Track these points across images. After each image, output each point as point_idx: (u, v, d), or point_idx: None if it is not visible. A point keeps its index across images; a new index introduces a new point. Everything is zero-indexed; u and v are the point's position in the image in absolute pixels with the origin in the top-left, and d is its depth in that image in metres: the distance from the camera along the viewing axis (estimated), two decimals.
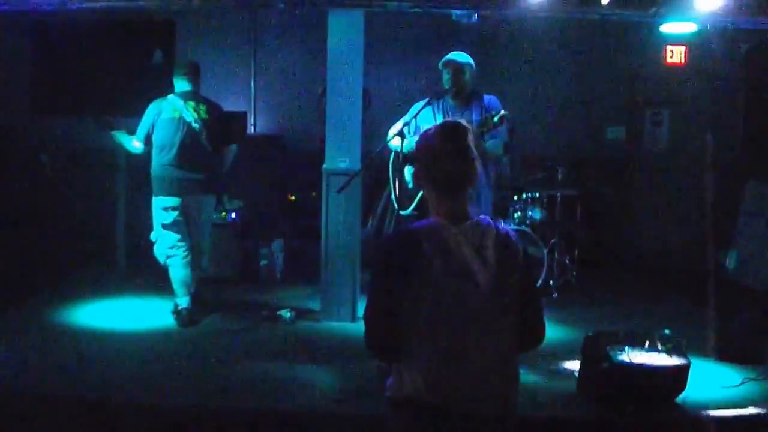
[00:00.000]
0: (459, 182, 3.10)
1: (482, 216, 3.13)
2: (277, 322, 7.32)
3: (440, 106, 6.22)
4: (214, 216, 7.78)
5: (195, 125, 7.14)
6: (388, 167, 6.45)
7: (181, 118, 7.13)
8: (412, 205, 6.17)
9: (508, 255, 3.08)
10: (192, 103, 7.22)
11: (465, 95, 6.22)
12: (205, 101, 7.35)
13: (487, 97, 6.20)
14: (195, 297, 7.29)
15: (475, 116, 6.09)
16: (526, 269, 3.16)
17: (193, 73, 7.38)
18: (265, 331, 7.11)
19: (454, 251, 2.99)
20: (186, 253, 7.24)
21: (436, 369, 3.00)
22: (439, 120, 6.18)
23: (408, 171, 6.25)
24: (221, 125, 7.37)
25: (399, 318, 3.00)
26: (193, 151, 7.14)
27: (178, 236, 7.18)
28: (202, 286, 7.54)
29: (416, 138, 6.13)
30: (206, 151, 7.22)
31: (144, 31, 9.87)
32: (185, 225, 7.22)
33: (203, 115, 7.21)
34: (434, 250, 2.97)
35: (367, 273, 7.91)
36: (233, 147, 7.47)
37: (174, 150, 7.10)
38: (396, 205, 6.36)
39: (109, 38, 9.58)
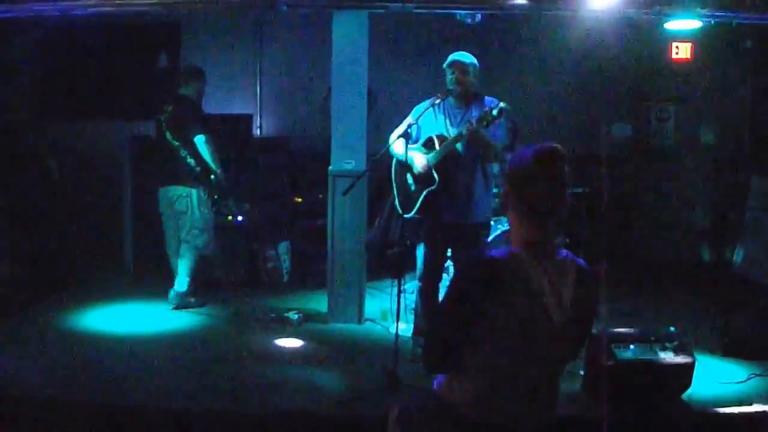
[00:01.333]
0: (550, 210, 2.98)
1: (564, 251, 3.06)
2: (284, 324, 7.34)
3: (441, 108, 6.22)
4: (203, 212, 7.79)
5: (163, 122, 7.78)
6: (391, 172, 6.47)
7: (159, 119, 7.82)
8: (415, 209, 6.19)
9: (586, 293, 3.04)
10: (170, 104, 7.78)
11: (467, 96, 6.23)
12: (177, 99, 7.80)
13: (488, 99, 6.20)
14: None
15: (474, 116, 6.10)
16: (596, 303, 3.16)
17: (182, 77, 7.90)
18: (272, 333, 7.12)
19: (534, 289, 2.93)
20: (170, 242, 7.94)
21: (489, 390, 3.02)
22: (440, 120, 6.21)
23: (409, 177, 6.26)
24: (184, 120, 7.68)
25: (462, 341, 3.00)
26: (161, 146, 7.79)
27: (166, 226, 7.91)
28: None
29: (417, 148, 6.18)
30: (172, 146, 7.70)
31: (149, 35, 9.88)
32: (167, 216, 7.90)
33: (168, 112, 7.74)
34: (515, 286, 2.91)
35: (372, 275, 7.96)
36: (198, 138, 7.61)
37: (155, 147, 7.91)
38: (399, 210, 6.39)
39: (114, 42, 9.60)
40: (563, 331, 2.99)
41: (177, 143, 7.67)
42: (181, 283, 7.78)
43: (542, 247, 2.98)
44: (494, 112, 5.79)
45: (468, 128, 5.86)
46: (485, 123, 5.83)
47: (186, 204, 7.72)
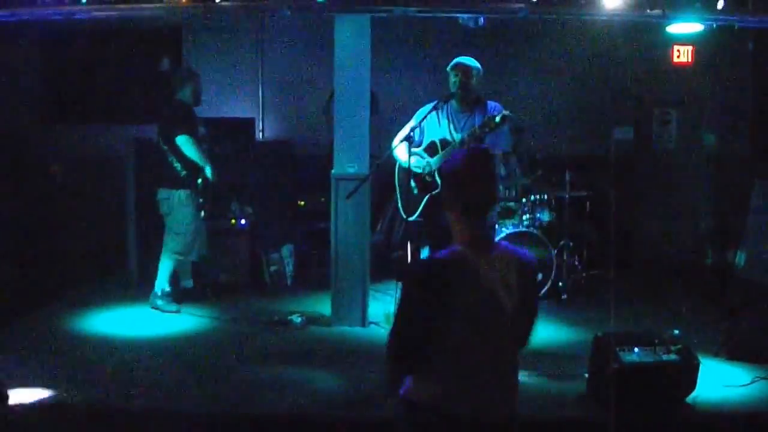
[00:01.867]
0: (486, 206, 3.21)
1: (502, 242, 3.28)
2: (287, 327, 7.35)
3: (445, 111, 6.24)
4: (183, 215, 7.78)
5: (158, 128, 7.86)
6: (395, 176, 6.50)
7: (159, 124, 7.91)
8: (417, 212, 6.21)
9: (528, 279, 3.23)
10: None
11: (470, 100, 6.24)
12: (169, 104, 7.88)
13: (491, 104, 6.21)
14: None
15: (477, 121, 6.12)
16: (537, 287, 3.31)
17: (176, 81, 7.94)
18: (275, 336, 7.14)
19: (483, 281, 3.09)
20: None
21: (455, 383, 3.11)
22: (444, 125, 6.23)
23: (412, 181, 6.27)
24: (170, 123, 7.73)
25: (421, 341, 3.09)
26: (155, 150, 7.84)
27: None
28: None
29: (419, 152, 6.20)
30: (161, 148, 7.74)
31: (151, 39, 9.91)
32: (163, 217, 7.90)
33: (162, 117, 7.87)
34: (464, 282, 3.06)
35: (376, 277, 7.96)
36: (179, 138, 7.62)
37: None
38: (403, 213, 6.42)
39: (116, 46, 9.63)
40: (515, 318, 3.15)
41: (165, 147, 7.70)
42: (157, 284, 7.82)
43: (483, 241, 3.17)
44: (497, 119, 5.80)
45: (470, 134, 5.88)
46: (487, 129, 5.84)
47: (168, 207, 7.77)
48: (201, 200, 7.77)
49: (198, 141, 7.77)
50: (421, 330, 3.08)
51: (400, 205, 6.46)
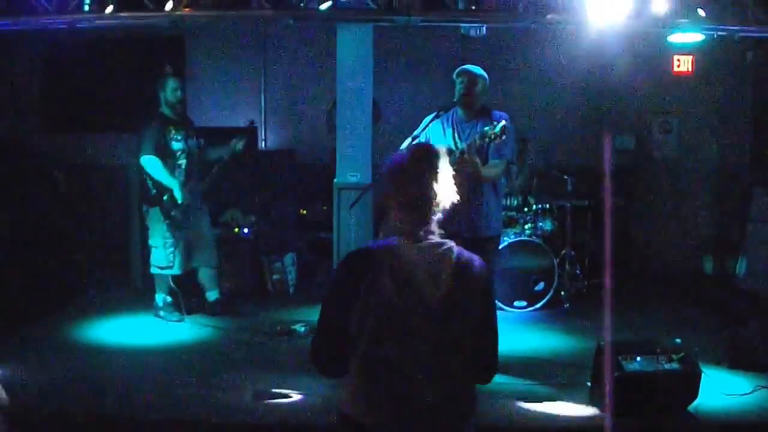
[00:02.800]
0: (427, 205, 3.10)
1: (448, 240, 3.13)
2: (290, 337, 7.36)
3: (449, 119, 6.24)
4: (157, 229, 7.72)
5: None
6: None
7: None
8: None
9: (466, 282, 3.07)
10: None
11: (475, 109, 6.24)
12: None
13: (496, 113, 6.20)
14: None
15: (476, 131, 6.12)
16: (487, 303, 3.17)
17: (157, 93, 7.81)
18: (279, 345, 7.14)
19: (407, 270, 3.01)
20: None
21: (374, 390, 3.03)
22: (449, 133, 6.24)
23: None
24: (137, 141, 7.69)
25: (345, 336, 3.03)
26: None
27: None
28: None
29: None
30: None
31: (154, 47, 9.92)
32: None
33: None
34: (387, 268, 2.99)
35: None
36: (140, 160, 7.57)
37: None
38: None
39: (119, 55, 9.65)
40: (442, 316, 3.02)
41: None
42: (156, 296, 7.88)
43: (417, 235, 3.08)
44: (497, 129, 5.76)
45: (471, 144, 5.88)
46: (488, 140, 5.82)
47: (146, 221, 7.81)
48: (173, 215, 7.57)
49: (168, 158, 7.55)
50: (342, 325, 3.01)
51: None
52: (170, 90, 7.65)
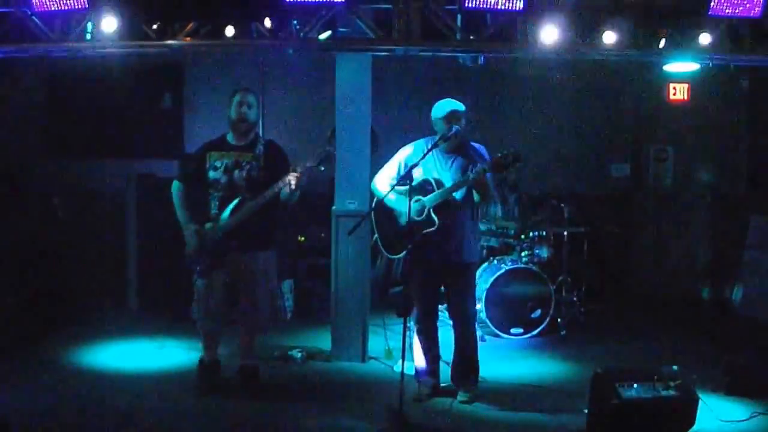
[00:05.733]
0: None
1: None
2: (287, 362, 7.37)
3: (433, 152, 6.23)
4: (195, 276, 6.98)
5: None
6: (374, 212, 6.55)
7: None
8: (404, 250, 6.17)
9: None
10: None
11: (457, 143, 6.30)
12: None
13: (476, 145, 6.32)
14: None
15: (462, 162, 6.18)
16: None
17: None
18: (276, 371, 7.14)
19: None
20: None
21: None
22: (438, 165, 6.27)
23: (402, 217, 6.21)
24: None
25: None
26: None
27: None
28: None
29: (402, 188, 6.20)
30: None
31: (153, 75, 9.98)
32: None
33: None
34: None
35: (376, 312, 7.98)
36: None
37: None
38: (383, 250, 6.48)
39: (119, 83, 9.69)
40: None
41: None
42: None
43: None
44: (510, 158, 5.88)
45: (478, 171, 5.94)
46: (501, 168, 5.94)
47: None
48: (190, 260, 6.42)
49: (205, 188, 6.41)
50: None
51: (380, 243, 6.52)
52: (233, 105, 6.44)
